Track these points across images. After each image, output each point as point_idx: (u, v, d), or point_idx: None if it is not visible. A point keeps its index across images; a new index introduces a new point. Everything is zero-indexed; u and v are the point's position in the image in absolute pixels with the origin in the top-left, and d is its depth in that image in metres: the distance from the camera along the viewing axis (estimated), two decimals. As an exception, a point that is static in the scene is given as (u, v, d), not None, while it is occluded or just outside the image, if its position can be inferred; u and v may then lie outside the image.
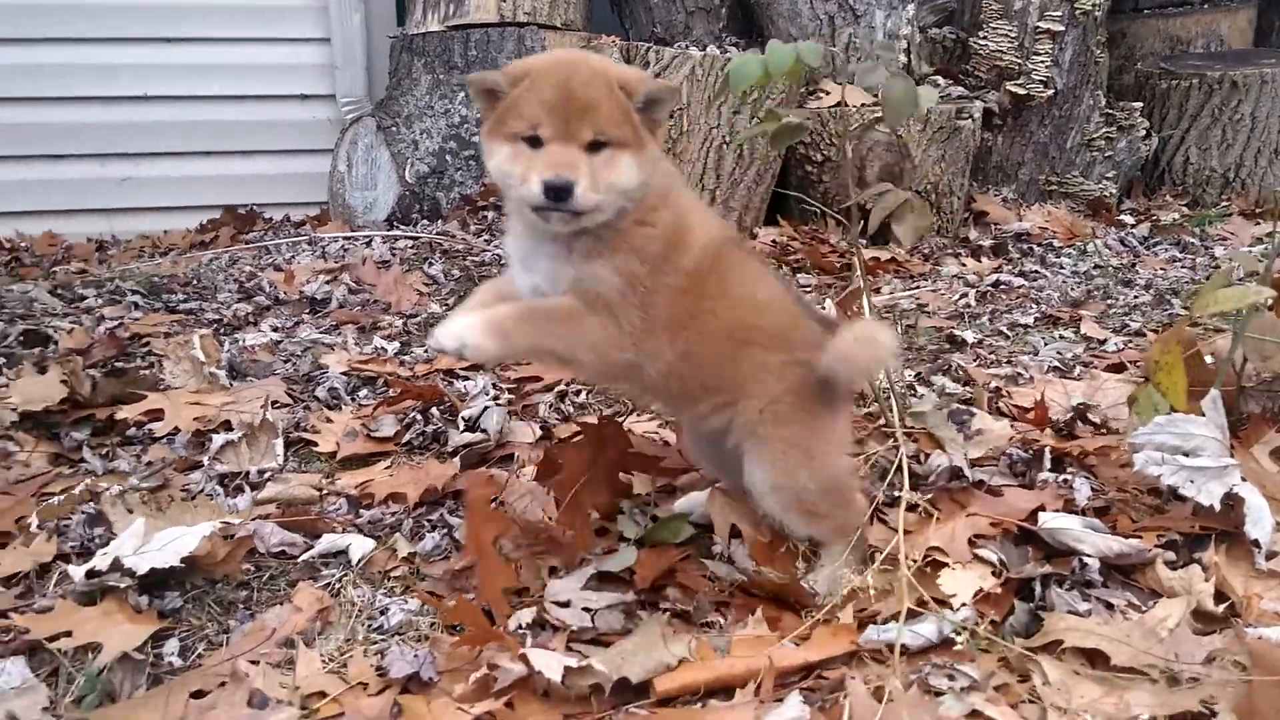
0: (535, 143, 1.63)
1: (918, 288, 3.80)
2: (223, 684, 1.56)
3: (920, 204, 2.28)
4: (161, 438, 2.48)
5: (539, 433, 2.53)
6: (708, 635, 1.72)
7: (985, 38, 4.95)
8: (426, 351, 3.10)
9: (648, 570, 1.89)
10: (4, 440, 2.46)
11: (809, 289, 3.86)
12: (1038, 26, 4.89)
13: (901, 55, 4.86)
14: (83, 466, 2.38)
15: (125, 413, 2.54)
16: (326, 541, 2.02)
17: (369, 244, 4.48)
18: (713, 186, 4.21)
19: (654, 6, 5.36)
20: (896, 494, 1.99)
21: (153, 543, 1.84)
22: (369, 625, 1.79)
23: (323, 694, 1.56)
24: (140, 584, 1.77)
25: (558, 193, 1.59)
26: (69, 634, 1.64)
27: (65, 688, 1.57)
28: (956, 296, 3.63)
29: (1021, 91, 4.89)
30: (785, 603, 1.78)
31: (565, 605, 1.82)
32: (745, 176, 4.26)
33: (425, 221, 4.76)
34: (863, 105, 4.43)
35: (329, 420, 2.58)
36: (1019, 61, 4.92)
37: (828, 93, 4.59)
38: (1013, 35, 4.93)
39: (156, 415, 2.56)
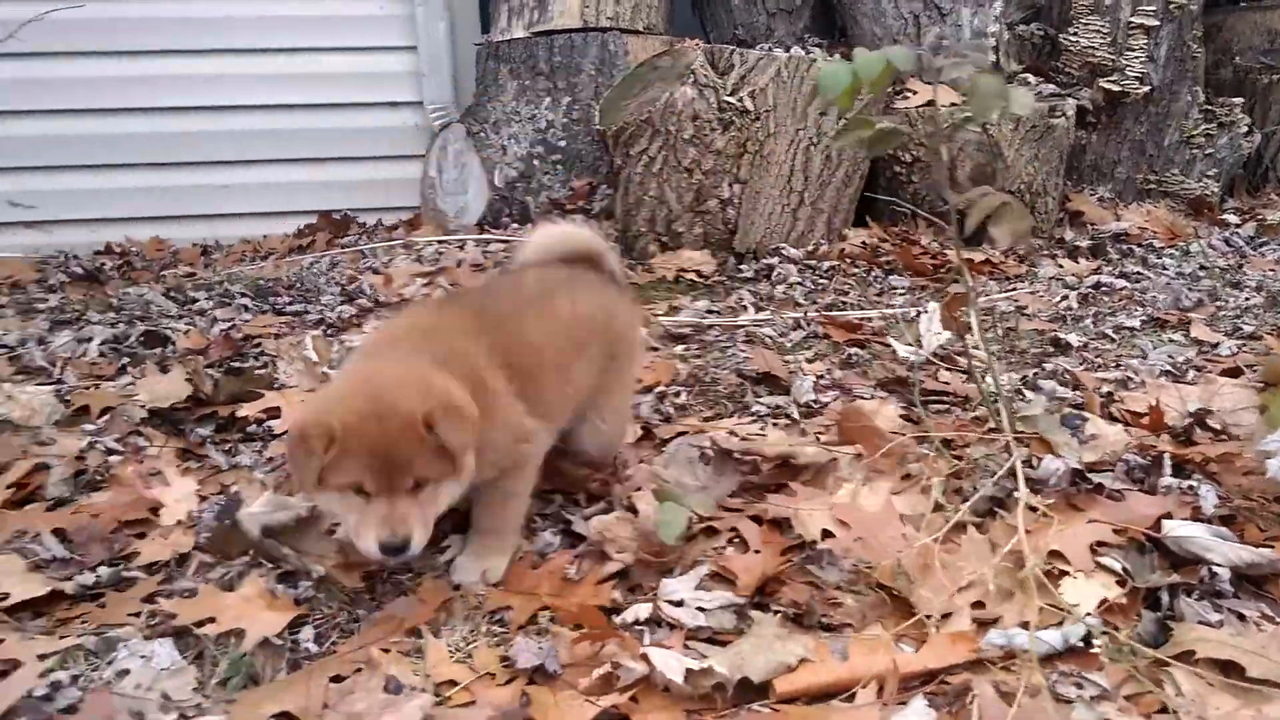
0: (361, 492, 1.69)
1: (1015, 290, 3.76)
2: (358, 670, 1.61)
3: (1019, 206, 2.25)
4: (280, 434, 2.57)
5: (639, 433, 2.57)
6: (822, 638, 1.73)
7: (1076, 34, 4.87)
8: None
9: (753, 574, 1.92)
10: (135, 435, 2.58)
11: (902, 291, 3.84)
12: (1130, 21, 4.79)
13: (990, 53, 4.80)
14: (207, 461, 2.48)
15: (245, 410, 2.63)
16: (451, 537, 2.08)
17: (462, 247, 4.57)
18: (800, 189, 4.20)
19: (735, 8, 5.38)
20: (1004, 496, 1.98)
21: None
22: (489, 618, 1.84)
23: (453, 682, 1.61)
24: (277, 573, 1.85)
25: (396, 550, 1.67)
26: (213, 620, 1.72)
27: (210, 670, 1.65)
28: (1057, 299, 3.58)
29: (1116, 88, 4.80)
30: (898, 605, 1.79)
31: (679, 604, 1.85)
32: (833, 178, 4.25)
33: (515, 225, 4.84)
34: (953, 104, 4.38)
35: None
36: (1112, 58, 4.82)
37: (915, 92, 4.55)
38: (1105, 31, 4.83)
39: (274, 413, 2.64)
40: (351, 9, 5.37)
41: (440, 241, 4.68)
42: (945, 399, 2.63)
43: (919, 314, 3.14)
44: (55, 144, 5.16)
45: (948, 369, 2.82)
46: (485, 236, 4.71)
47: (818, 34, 5.23)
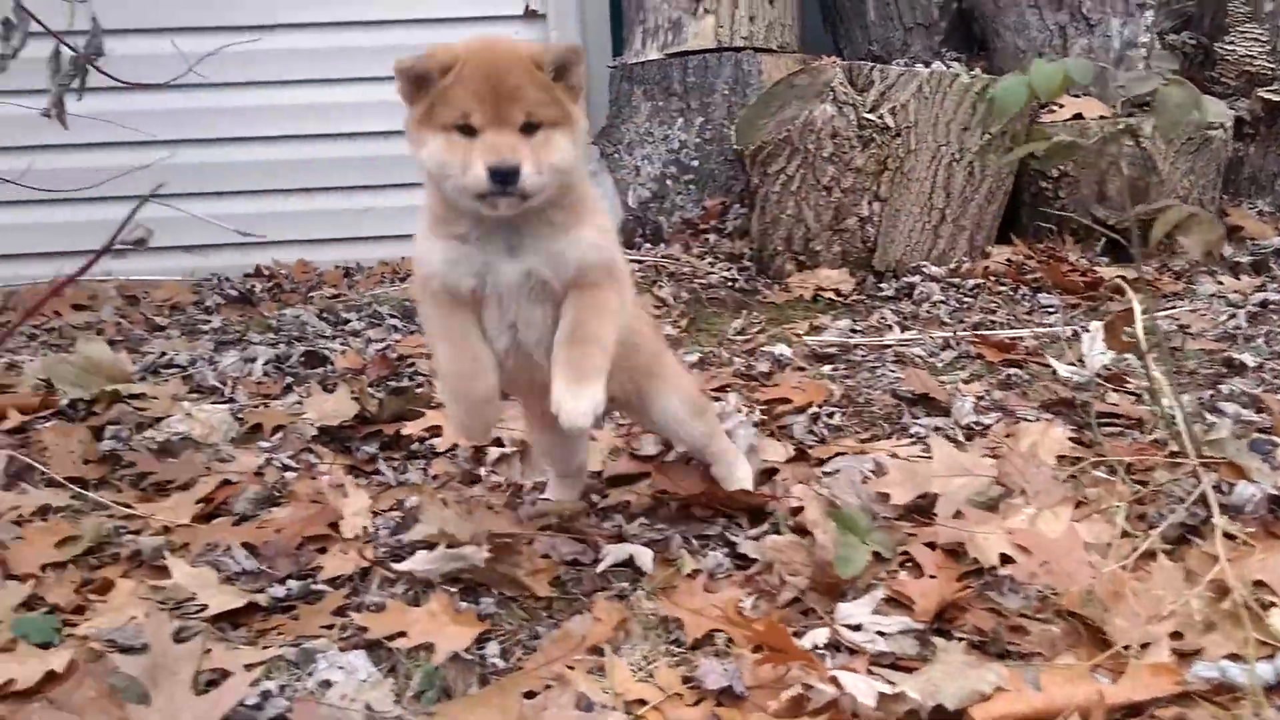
0: (469, 131, 1.64)
1: (1174, 308, 3.62)
2: (548, 686, 1.64)
3: (1208, 216, 2.18)
4: (444, 452, 2.64)
5: (792, 452, 2.55)
6: (1013, 666, 1.69)
7: (1233, 42, 4.68)
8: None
9: (930, 599, 1.89)
10: (306, 452, 2.69)
11: (1053, 310, 3.73)
12: (1289, 27, 4.58)
13: (1140, 64, 4.64)
14: (374, 478, 2.57)
15: (409, 429, 2.72)
16: (612, 553, 2.11)
17: (597, 267, 4.62)
18: (942, 205, 4.13)
19: (870, 24, 5.33)
20: (1196, 523, 1.90)
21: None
22: (666, 637, 1.85)
23: (642, 701, 1.62)
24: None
25: (505, 176, 1.61)
26: (403, 634, 1.77)
27: (404, 683, 1.70)
28: (1224, 317, 3.43)
29: (1275, 98, 4.58)
30: (1090, 635, 1.74)
31: (856, 629, 1.83)
32: (976, 194, 4.17)
33: (648, 245, 4.88)
34: (1102, 118, 4.26)
35: (593, 439, 2.68)
36: (1271, 66, 4.62)
37: (1061, 105, 4.43)
38: (1263, 39, 4.64)
39: (436, 431, 2.72)
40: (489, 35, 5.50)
41: (576, 262, 4.75)
42: (1117, 421, 2.55)
43: (1080, 333, 3.05)
44: (211, 171, 5.42)
45: (1115, 390, 2.72)
46: (619, 257, 4.75)
47: (955, 48, 5.15)
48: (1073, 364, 2.86)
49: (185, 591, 2.02)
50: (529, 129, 1.66)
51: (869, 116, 3.98)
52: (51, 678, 1.73)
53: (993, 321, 3.60)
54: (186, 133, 5.22)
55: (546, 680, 1.66)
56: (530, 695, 1.62)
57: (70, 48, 2.67)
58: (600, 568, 2.05)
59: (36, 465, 2.63)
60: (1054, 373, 2.90)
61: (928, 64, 4.57)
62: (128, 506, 2.44)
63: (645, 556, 2.08)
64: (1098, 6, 4.61)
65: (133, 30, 4.87)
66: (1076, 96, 4.35)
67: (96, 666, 1.75)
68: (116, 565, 2.18)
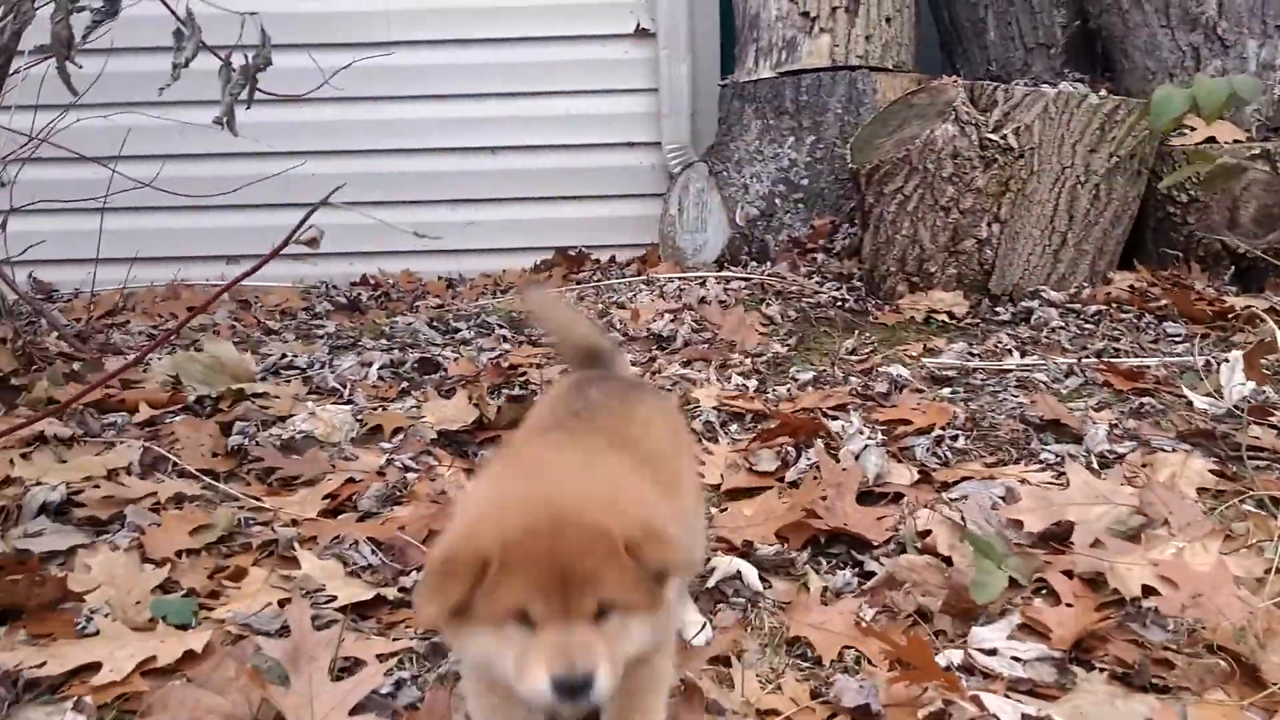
0: (525, 620, 1.25)
1: (1314, 340, 3.45)
2: (681, 690, 1.62)
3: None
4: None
5: (916, 475, 2.50)
6: (1161, 700, 1.62)
7: (1376, 66, 4.46)
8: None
9: (1068, 628, 1.82)
10: (425, 454, 2.73)
11: (1179, 339, 3.60)
12: None
13: (1278, 88, 4.47)
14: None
15: (526, 435, 2.74)
16: (720, 567, 2.08)
17: (702, 284, 4.62)
18: (1064, 228, 4.03)
19: (990, 44, 5.25)
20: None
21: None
22: (792, 651, 1.82)
23: (775, 712, 1.60)
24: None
25: (574, 691, 1.21)
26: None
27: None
28: (1370, 350, 3.25)
29: None
30: (1243, 672, 1.65)
31: (991, 653, 1.78)
32: (1101, 218, 4.05)
33: (753, 263, 4.86)
34: (1235, 141, 4.11)
35: (709, 453, 2.67)
36: None
37: (1192, 129, 4.28)
38: None
39: (552, 438, 2.74)
40: (599, 53, 5.56)
41: (681, 278, 4.76)
42: (1262, 455, 2.43)
43: (1216, 362, 2.93)
44: (322, 182, 5.56)
45: (1257, 423, 2.61)
46: (724, 274, 4.75)
47: (1076, 69, 5.03)
48: (1209, 394, 2.75)
49: (315, 582, 2.07)
50: (601, 615, 1.26)
51: (991, 137, 3.91)
52: (190, 657, 1.79)
53: (1116, 349, 3.49)
54: (303, 145, 5.38)
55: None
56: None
57: (222, 58, 2.76)
58: (710, 582, 2.03)
59: (169, 456, 2.73)
60: (1189, 403, 2.78)
61: (1051, 84, 4.47)
62: (256, 499, 2.51)
63: (751, 574, 2.06)
64: (1233, 27, 4.46)
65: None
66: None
67: (237, 649, 1.80)
68: (248, 554, 2.24)
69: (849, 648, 1.80)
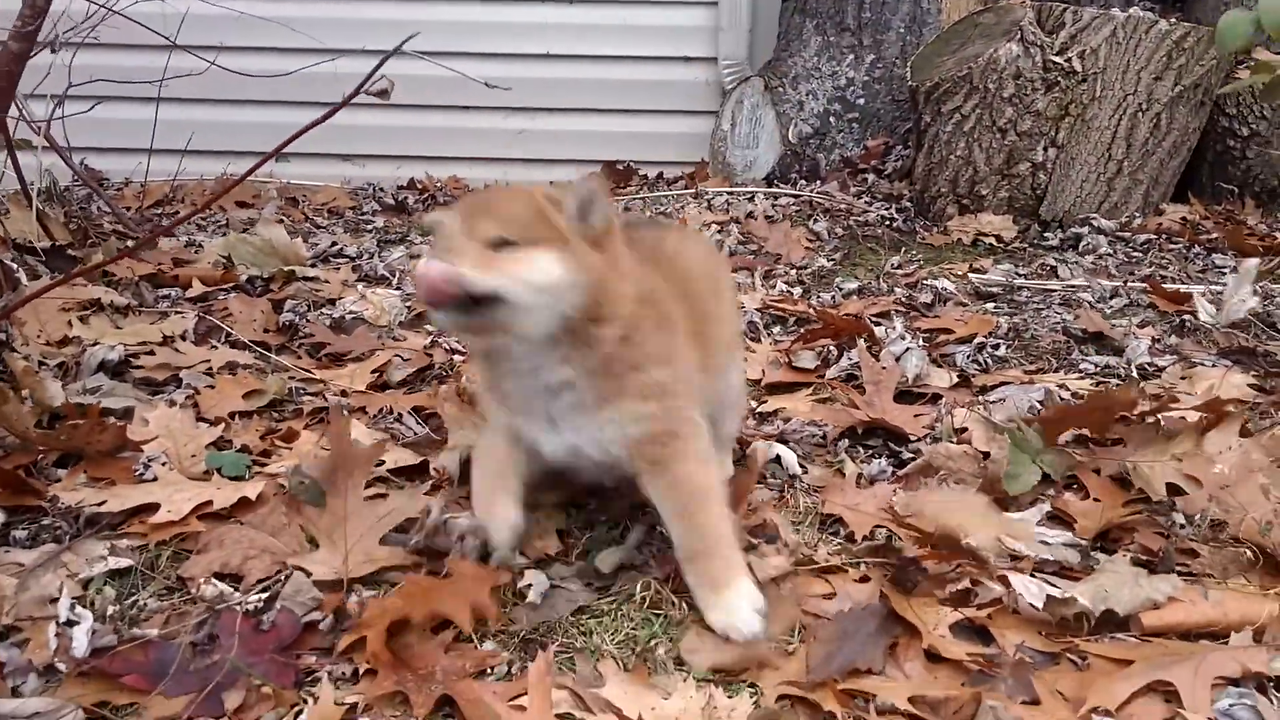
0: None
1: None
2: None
3: None
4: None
5: (955, 379, 2.52)
6: (1186, 583, 1.65)
7: None
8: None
9: (1093, 519, 1.85)
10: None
11: (1227, 271, 3.55)
12: None
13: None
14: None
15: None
16: (760, 450, 2.12)
17: (751, 200, 4.61)
18: (1121, 156, 3.96)
19: (1058, -32, 5.10)
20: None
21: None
22: (822, 526, 1.87)
23: (812, 560, 1.66)
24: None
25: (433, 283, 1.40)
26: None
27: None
28: None
29: None
30: (1267, 563, 1.68)
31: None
32: (1159, 148, 3.98)
33: (803, 181, 4.84)
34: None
35: (752, 350, 2.70)
36: None
37: (1256, 60, 4.17)
38: None
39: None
40: (660, -37, 5.49)
41: (729, 193, 4.75)
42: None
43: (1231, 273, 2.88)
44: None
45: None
46: (773, 190, 4.73)
47: (1149, -1, 4.89)
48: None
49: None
50: (500, 245, 1.44)
51: (1055, 59, 3.83)
52: (244, 504, 1.87)
53: (1163, 276, 3.45)
54: (356, 43, 5.35)
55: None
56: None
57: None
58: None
59: (223, 327, 2.81)
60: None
61: (1120, 9, 4.35)
62: (307, 371, 2.58)
63: (790, 458, 2.10)
64: (1314, -45, 4.31)
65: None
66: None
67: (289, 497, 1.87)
68: (298, 419, 2.32)
69: (880, 527, 1.84)
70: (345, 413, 2.29)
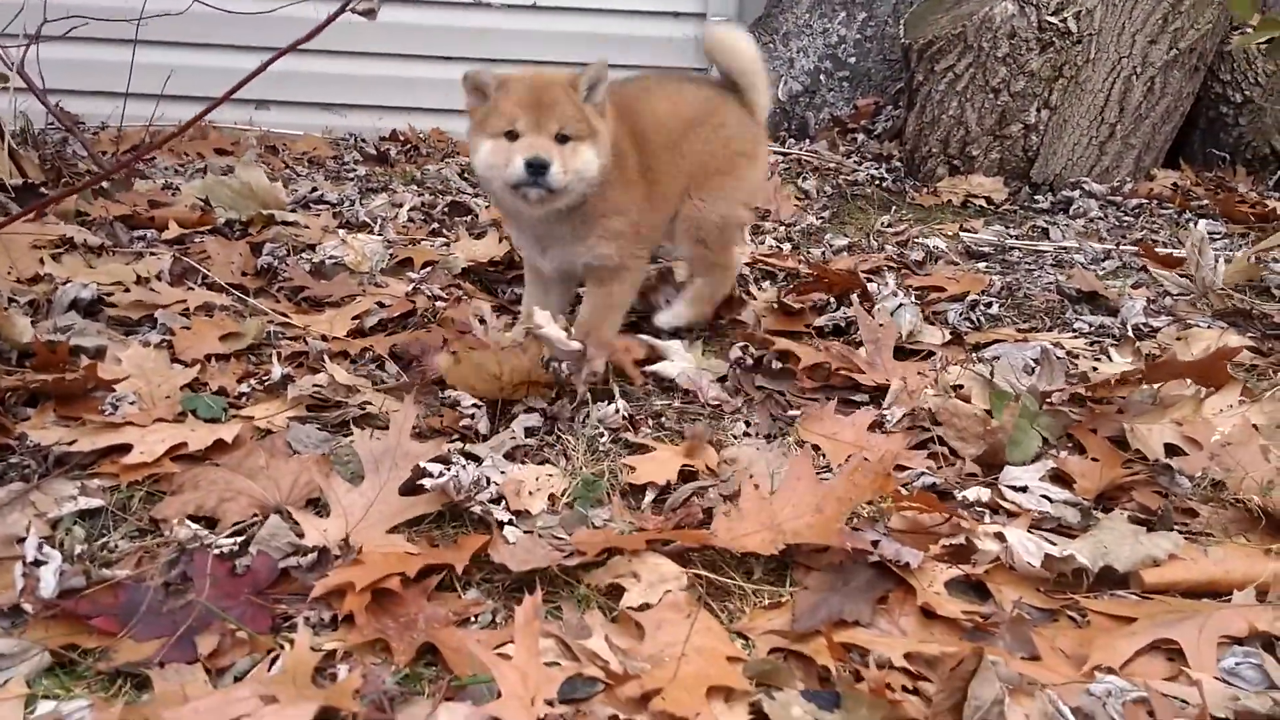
0: (513, 137, 2.04)
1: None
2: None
3: None
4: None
5: (948, 336, 2.48)
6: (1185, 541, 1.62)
7: None
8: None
9: (1093, 479, 1.82)
10: (453, 287, 2.72)
11: (1217, 236, 3.53)
12: None
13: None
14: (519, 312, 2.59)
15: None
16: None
17: (739, 156, 4.53)
18: (1113, 121, 3.92)
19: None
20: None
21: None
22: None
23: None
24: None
25: (536, 169, 1.99)
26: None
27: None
28: None
29: None
30: (1268, 522, 1.66)
31: (1022, 490, 1.78)
32: (1152, 113, 3.94)
33: (792, 140, 4.77)
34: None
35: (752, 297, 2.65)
36: None
37: (1254, 27, 4.13)
38: None
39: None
40: (648, -84, 5.36)
41: (717, 150, 4.66)
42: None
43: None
44: (352, 30, 5.42)
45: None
46: (761, 149, 4.65)
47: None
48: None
49: (344, 392, 2.07)
50: (561, 139, 2.03)
51: (1051, 19, 3.77)
52: (220, 446, 1.80)
53: (1154, 240, 3.43)
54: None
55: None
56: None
57: None
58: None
59: (199, 269, 2.72)
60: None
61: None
62: (285, 315, 2.51)
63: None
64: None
65: None
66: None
67: (266, 442, 1.81)
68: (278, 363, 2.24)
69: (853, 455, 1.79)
70: (326, 359, 2.23)
